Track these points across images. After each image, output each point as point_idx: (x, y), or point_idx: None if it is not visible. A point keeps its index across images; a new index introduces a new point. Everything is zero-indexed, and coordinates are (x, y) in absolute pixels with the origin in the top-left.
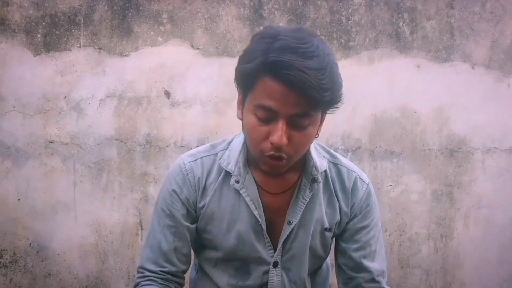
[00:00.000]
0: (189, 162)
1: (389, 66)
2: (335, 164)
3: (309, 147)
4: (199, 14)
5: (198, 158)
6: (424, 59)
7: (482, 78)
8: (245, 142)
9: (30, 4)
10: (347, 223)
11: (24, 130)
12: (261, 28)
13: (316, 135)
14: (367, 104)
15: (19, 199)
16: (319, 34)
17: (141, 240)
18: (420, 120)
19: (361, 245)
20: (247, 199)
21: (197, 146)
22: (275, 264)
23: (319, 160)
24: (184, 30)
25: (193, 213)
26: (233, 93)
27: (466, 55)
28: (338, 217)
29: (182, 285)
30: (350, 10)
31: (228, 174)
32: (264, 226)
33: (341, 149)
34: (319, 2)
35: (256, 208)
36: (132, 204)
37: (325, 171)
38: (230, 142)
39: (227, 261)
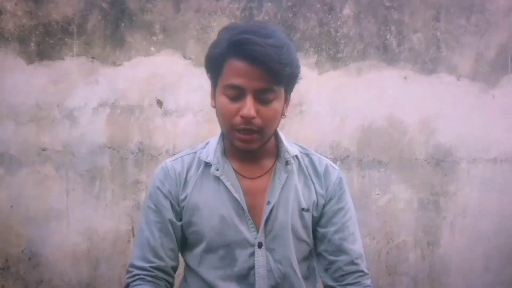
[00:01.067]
0: (170, 161)
1: (377, 77)
2: (306, 154)
3: (277, 124)
4: (191, 25)
5: (178, 158)
6: (411, 70)
7: (467, 90)
8: (221, 136)
9: (24, 13)
10: (324, 206)
11: (17, 138)
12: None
13: (282, 115)
14: (355, 114)
15: (11, 206)
16: (308, 45)
17: (133, 247)
18: (407, 130)
19: (339, 227)
20: (228, 184)
21: None
22: (259, 245)
23: (290, 147)
24: (176, 41)
25: (177, 207)
26: None
27: (451, 67)
28: (314, 197)
29: (171, 283)
30: (338, 23)
31: (207, 166)
32: (245, 207)
33: (330, 158)
34: (308, 14)
35: (236, 191)
36: (124, 211)
37: (298, 158)
38: (207, 143)
39: (212, 252)
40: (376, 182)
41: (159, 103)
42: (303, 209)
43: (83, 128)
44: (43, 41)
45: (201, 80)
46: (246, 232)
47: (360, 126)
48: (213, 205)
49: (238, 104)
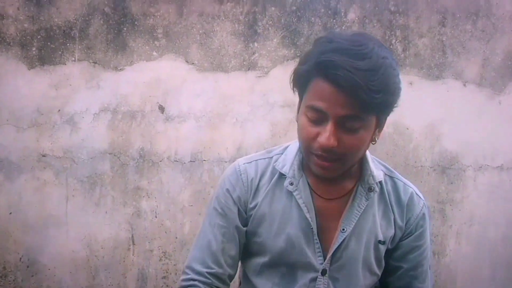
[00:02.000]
0: (243, 163)
1: None
2: (391, 177)
3: (363, 152)
4: (194, 30)
5: (253, 161)
6: (417, 76)
7: (473, 96)
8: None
9: (25, 17)
10: (401, 239)
11: (17, 143)
12: (255, 44)
13: (373, 141)
14: None
15: (10, 213)
16: None
17: (132, 255)
18: (412, 137)
19: (414, 265)
20: (300, 201)
21: (191, 161)
22: (323, 272)
23: (376, 170)
24: (179, 45)
25: (244, 215)
26: (227, 108)
27: (457, 73)
28: (392, 231)
29: None
30: (343, 27)
31: (282, 177)
32: (315, 230)
33: None
34: (312, 18)
35: (308, 211)
36: (124, 219)
37: (380, 182)
38: (286, 147)
39: (273, 267)
40: None
41: (161, 108)
42: (379, 242)
43: (84, 134)
44: (44, 45)
45: (204, 85)
46: (312, 256)
47: None
48: (282, 221)
49: (319, 129)
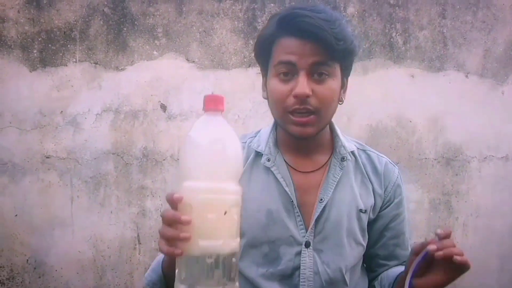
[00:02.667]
0: None
1: (383, 76)
2: (364, 150)
3: (334, 108)
4: (194, 28)
5: None
6: (418, 68)
7: (476, 87)
8: (274, 126)
9: (26, 20)
10: (381, 208)
11: (20, 145)
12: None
13: (340, 101)
14: (362, 114)
15: (16, 215)
16: None
17: (139, 254)
18: (415, 129)
19: (396, 233)
20: (278, 176)
21: None
22: (307, 244)
23: (347, 142)
24: (179, 44)
25: None
26: (229, 105)
27: (459, 64)
28: (372, 200)
29: None
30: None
31: (258, 155)
32: (295, 203)
33: None
34: None
35: (287, 185)
36: (130, 218)
37: (354, 155)
38: (258, 131)
39: (254, 247)
40: None
41: (163, 107)
42: (360, 210)
43: (87, 134)
44: (45, 47)
45: (205, 82)
46: (294, 229)
47: (367, 126)
48: (261, 197)
49: (291, 84)
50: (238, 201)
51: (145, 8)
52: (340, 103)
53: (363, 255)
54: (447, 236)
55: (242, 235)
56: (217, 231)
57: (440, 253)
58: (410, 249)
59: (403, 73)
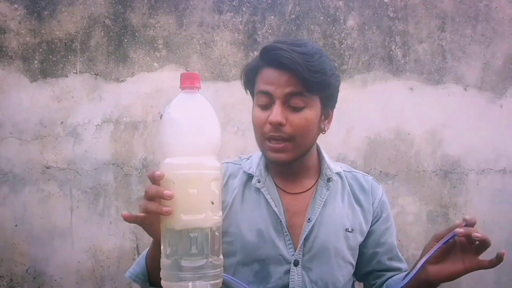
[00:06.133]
0: None
1: (382, 89)
2: (350, 171)
3: (312, 137)
4: (194, 40)
5: (224, 163)
6: (417, 81)
7: (474, 100)
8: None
9: (27, 31)
10: (372, 224)
11: (21, 156)
12: (255, 52)
13: (323, 131)
14: (361, 127)
15: (16, 225)
16: None
17: None
18: (414, 142)
19: (388, 248)
20: (268, 197)
21: None
22: (296, 263)
23: (333, 165)
24: (179, 56)
25: None
26: (228, 117)
27: (458, 77)
28: (359, 218)
29: None
30: (342, 34)
31: (249, 178)
32: (284, 223)
33: None
34: (312, 26)
35: (276, 205)
36: (129, 229)
37: (340, 176)
38: (251, 155)
39: (245, 265)
40: None
41: None
42: (347, 230)
43: (87, 145)
44: (46, 58)
45: (205, 94)
46: (283, 248)
47: (366, 138)
48: (252, 217)
49: (268, 112)
50: (218, 176)
51: (145, 19)
52: (323, 132)
53: (357, 274)
54: (473, 224)
55: (234, 253)
56: (199, 205)
57: (461, 230)
58: (402, 260)
59: (402, 85)
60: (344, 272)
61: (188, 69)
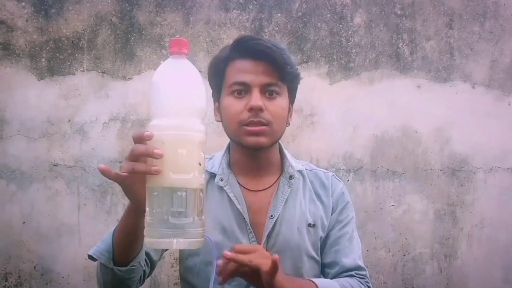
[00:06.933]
0: None
1: (390, 86)
2: (311, 170)
3: (284, 125)
4: (201, 38)
5: None
6: (424, 79)
7: (482, 98)
8: (227, 149)
9: (34, 29)
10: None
11: (28, 153)
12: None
13: (287, 123)
14: (368, 125)
15: (23, 222)
16: (319, 55)
17: None
18: (421, 140)
19: (335, 240)
20: (231, 195)
21: None
22: None
23: (295, 163)
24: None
25: None
26: None
27: (466, 75)
28: (321, 213)
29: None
30: (349, 32)
31: (212, 176)
32: (247, 220)
33: (343, 169)
34: (319, 24)
35: (239, 203)
36: None
37: (302, 174)
38: (212, 156)
39: (210, 264)
40: (390, 193)
41: None
42: (309, 225)
43: (94, 143)
44: (53, 56)
45: (211, 92)
46: (247, 244)
47: (373, 137)
48: (215, 216)
49: (245, 100)
50: (204, 139)
51: (152, 17)
52: (287, 125)
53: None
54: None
55: (197, 253)
56: (187, 165)
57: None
58: (353, 256)
59: (409, 83)
60: (307, 267)
61: (177, 36)
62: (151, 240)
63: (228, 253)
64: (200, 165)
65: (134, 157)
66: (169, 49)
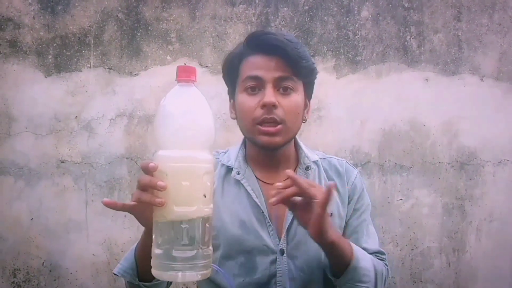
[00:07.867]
0: None
1: (397, 80)
2: (324, 158)
3: (299, 122)
4: (207, 33)
5: None
6: (432, 72)
7: (491, 90)
8: (242, 143)
9: (41, 26)
10: (348, 204)
11: (36, 150)
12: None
13: (303, 119)
14: (375, 118)
15: (31, 219)
16: (326, 49)
17: None
18: (429, 133)
19: (353, 229)
20: (248, 188)
21: None
22: (282, 252)
23: (310, 153)
24: (192, 49)
25: None
26: None
27: (474, 68)
28: (338, 203)
29: None
30: (356, 25)
31: (229, 170)
32: (266, 213)
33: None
34: (325, 17)
35: (257, 196)
36: None
37: (317, 164)
38: (228, 149)
39: (230, 259)
40: (398, 187)
41: None
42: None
43: (101, 139)
44: (60, 53)
45: (218, 87)
46: (267, 238)
47: (380, 130)
48: (233, 209)
49: (258, 97)
50: (211, 169)
51: (158, 13)
52: (304, 121)
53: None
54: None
55: (217, 247)
56: (191, 197)
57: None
58: (372, 241)
59: (417, 76)
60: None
61: (185, 63)
62: (157, 272)
63: (291, 172)
64: (205, 196)
65: (141, 187)
66: (176, 77)
